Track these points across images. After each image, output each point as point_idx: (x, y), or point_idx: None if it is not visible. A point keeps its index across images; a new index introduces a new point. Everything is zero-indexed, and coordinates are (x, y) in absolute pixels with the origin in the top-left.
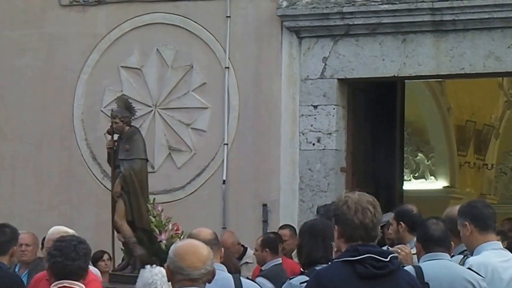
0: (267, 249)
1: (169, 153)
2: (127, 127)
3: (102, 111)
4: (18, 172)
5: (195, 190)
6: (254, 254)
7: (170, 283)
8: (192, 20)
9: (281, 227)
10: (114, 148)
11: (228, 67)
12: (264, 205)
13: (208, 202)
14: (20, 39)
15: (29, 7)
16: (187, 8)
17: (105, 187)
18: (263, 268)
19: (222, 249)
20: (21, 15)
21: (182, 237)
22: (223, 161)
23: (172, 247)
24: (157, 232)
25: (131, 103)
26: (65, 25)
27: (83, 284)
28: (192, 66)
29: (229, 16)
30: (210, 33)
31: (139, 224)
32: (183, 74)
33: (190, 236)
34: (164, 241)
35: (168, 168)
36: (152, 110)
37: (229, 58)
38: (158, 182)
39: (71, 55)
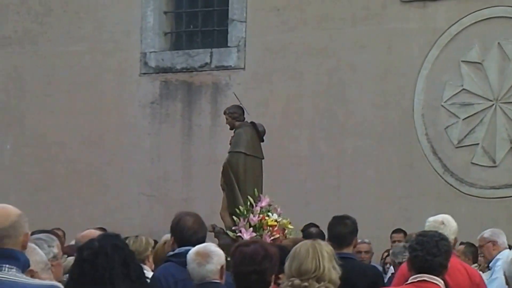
0: None
1: (511, 147)
2: (237, 123)
3: (442, 106)
4: (360, 167)
5: None
6: None
7: None
8: None
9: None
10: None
11: None
12: None
13: None
14: (360, 35)
15: (369, 4)
16: None
17: (446, 181)
18: None
19: None
20: (362, 12)
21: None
22: None
23: None
24: (238, 221)
25: (238, 98)
26: (405, 21)
27: None
28: None
29: None
30: None
31: (236, 216)
32: None
33: None
34: (237, 231)
35: (511, 162)
36: (493, 105)
37: None
38: (499, 176)
39: (411, 50)
